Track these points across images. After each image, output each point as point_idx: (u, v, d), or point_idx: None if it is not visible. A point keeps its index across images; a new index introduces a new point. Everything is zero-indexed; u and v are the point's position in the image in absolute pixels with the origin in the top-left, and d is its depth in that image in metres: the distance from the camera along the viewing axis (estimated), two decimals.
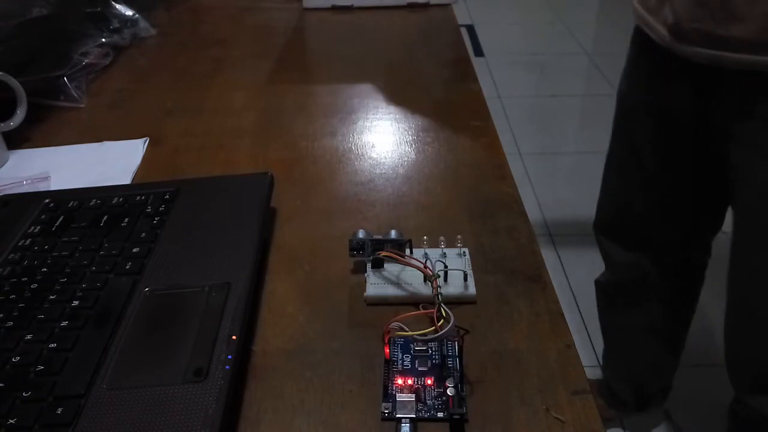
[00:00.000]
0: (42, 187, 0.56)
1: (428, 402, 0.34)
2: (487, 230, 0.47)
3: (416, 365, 0.36)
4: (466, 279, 0.41)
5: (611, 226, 1.02)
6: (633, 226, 0.97)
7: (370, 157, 0.58)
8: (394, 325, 0.37)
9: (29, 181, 0.57)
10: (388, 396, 0.35)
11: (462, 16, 3.18)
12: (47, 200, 0.49)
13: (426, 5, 0.88)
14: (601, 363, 1.24)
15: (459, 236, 0.45)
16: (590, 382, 1.26)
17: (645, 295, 1.03)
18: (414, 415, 0.33)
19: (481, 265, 0.44)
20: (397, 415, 0.33)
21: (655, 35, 0.76)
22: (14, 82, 0.62)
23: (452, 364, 0.36)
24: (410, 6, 0.87)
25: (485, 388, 0.35)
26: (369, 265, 0.43)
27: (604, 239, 1.04)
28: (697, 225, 0.93)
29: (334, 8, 0.88)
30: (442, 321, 0.37)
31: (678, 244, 0.96)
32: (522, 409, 0.34)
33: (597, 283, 1.12)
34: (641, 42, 0.82)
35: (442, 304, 0.37)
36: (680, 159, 0.86)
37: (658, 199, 0.91)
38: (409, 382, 0.35)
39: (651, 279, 1.00)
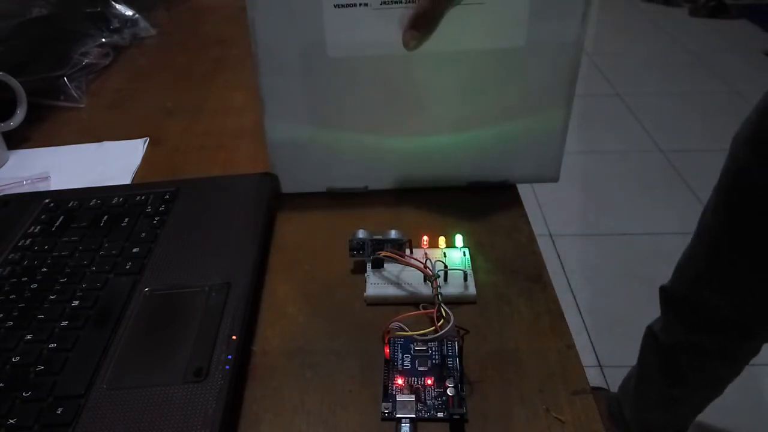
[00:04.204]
0: (42, 187, 0.56)
1: (428, 402, 0.34)
2: (487, 230, 0.47)
3: (416, 365, 0.36)
4: (466, 279, 0.41)
5: (685, 303, 0.91)
6: (714, 313, 0.86)
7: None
8: (394, 325, 0.37)
9: (29, 181, 0.57)
10: (388, 396, 0.35)
11: None
12: (47, 200, 0.49)
13: (502, 186, 0.52)
14: (622, 384, 1.15)
15: (459, 236, 0.45)
16: (600, 394, 1.20)
17: (696, 372, 0.96)
18: (414, 415, 0.33)
19: (481, 265, 0.44)
20: (397, 415, 0.33)
21: None
22: (14, 82, 0.62)
23: (452, 364, 0.36)
24: (472, 189, 0.52)
25: (485, 388, 0.35)
26: (369, 265, 0.43)
27: (671, 311, 0.94)
28: None
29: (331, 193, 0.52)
30: (442, 321, 0.37)
31: (759, 334, 0.88)
32: (522, 409, 0.34)
33: (651, 331, 1.01)
34: None
35: (442, 304, 0.37)
36: None
37: (757, 293, 0.81)
38: (409, 382, 0.35)
39: (710, 358, 0.93)
